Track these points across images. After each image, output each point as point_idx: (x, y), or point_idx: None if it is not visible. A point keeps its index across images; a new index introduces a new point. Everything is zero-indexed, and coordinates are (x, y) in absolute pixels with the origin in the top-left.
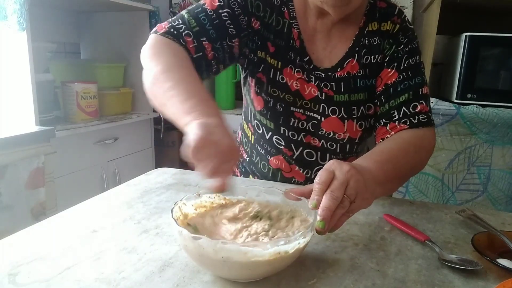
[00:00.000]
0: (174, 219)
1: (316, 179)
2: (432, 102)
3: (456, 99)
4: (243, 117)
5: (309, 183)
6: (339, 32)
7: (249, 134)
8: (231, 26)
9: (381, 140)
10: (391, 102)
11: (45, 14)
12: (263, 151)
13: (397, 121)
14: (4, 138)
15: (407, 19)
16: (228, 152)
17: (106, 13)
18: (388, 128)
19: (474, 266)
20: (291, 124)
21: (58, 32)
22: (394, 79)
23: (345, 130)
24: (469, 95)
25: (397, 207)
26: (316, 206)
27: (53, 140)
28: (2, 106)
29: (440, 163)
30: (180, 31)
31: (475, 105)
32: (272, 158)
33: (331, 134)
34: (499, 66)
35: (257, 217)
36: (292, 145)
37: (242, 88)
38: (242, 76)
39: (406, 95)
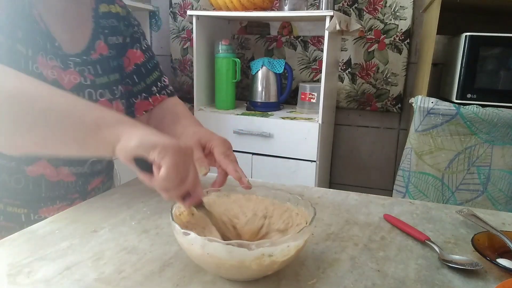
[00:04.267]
0: (172, 214)
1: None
2: (432, 102)
3: (456, 99)
4: None
5: (82, 180)
6: (76, 13)
7: None
8: None
9: (144, 112)
10: (147, 80)
11: None
12: (14, 163)
13: (157, 94)
14: None
15: None
16: (189, 153)
17: None
18: (150, 100)
19: (474, 266)
20: None
21: None
22: (142, 59)
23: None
24: (469, 95)
25: (397, 207)
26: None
27: None
28: None
29: (440, 163)
30: None
31: (475, 105)
32: (29, 167)
33: None
34: (499, 66)
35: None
36: None
37: None
38: None
39: (156, 72)
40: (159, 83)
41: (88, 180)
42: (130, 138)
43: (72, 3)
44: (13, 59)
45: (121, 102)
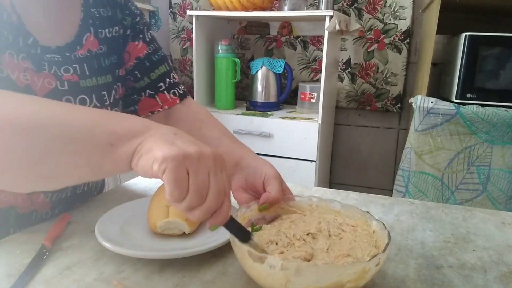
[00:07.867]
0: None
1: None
2: (431, 102)
3: (455, 98)
4: None
5: (58, 210)
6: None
7: None
8: None
9: (150, 113)
10: (151, 75)
11: None
12: None
13: (165, 91)
14: None
15: None
16: (218, 161)
17: None
18: (157, 99)
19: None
20: None
21: None
22: (145, 52)
23: None
24: (468, 95)
25: (397, 207)
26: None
27: None
28: None
29: (439, 162)
30: None
31: (474, 105)
32: None
33: None
34: (499, 65)
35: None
36: None
37: None
38: None
39: (163, 65)
40: (167, 79)
41: (66, 208)
42: (141, 152)
43: None
44: None
45: (113, 110)
